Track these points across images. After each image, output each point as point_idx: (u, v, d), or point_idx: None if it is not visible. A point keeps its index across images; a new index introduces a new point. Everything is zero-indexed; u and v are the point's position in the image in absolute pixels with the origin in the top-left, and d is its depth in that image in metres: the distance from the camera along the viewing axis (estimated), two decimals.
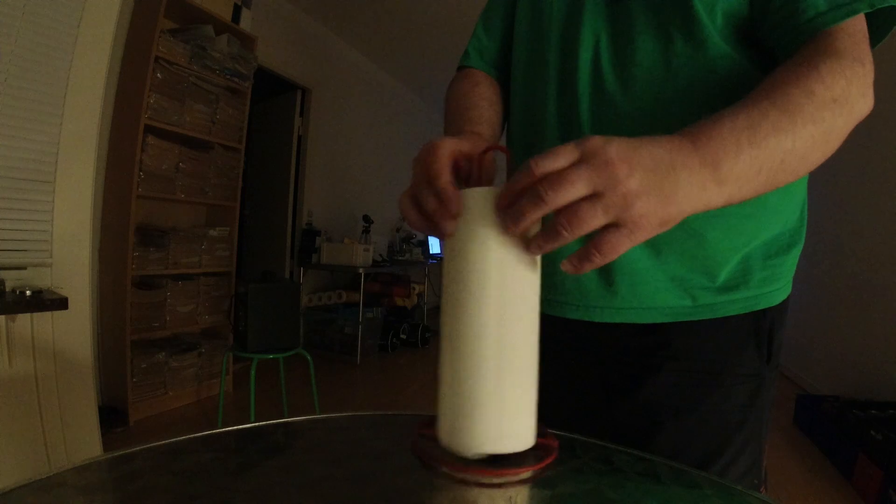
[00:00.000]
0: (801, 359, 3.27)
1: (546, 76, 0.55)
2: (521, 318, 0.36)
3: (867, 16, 0.40)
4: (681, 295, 0.50)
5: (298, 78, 3.53)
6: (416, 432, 0.41)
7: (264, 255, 3.77)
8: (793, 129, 0.35)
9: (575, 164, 0.31)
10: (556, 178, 0.30)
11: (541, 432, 0.38)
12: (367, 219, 3.84)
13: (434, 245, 5.39)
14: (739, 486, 0.36)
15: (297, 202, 3.72)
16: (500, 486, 0.34)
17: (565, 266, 0.33)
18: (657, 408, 0.51)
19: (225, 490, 0.33)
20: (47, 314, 1.31)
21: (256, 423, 0.44)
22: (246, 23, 2.61)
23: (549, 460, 0.37)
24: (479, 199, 0.35)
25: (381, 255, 3.96)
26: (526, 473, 0.36)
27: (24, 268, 1.29)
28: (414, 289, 4.16)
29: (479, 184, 0.42)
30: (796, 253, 0.52)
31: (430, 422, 0.41)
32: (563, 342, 0.57)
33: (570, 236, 0.31)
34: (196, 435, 0.40)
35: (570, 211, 0.30)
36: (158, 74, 2.13)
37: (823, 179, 3.06)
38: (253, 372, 1.90)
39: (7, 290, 1.22)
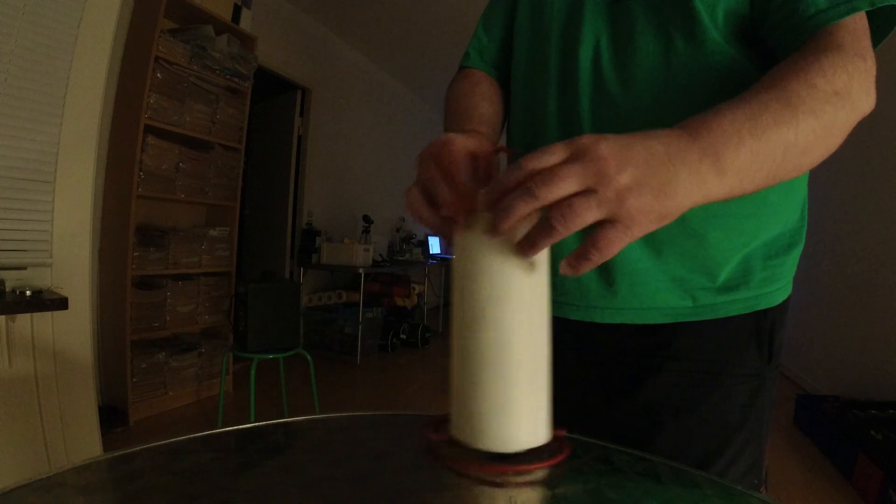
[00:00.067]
0: (801, 359, 3.27)
1: (546, 76, 0.55)
2: (532, 320, 0.36)
3: (868, 15, 0.40)
4: (681, 295, 0.50)
5: (298, 78, 3.53)
6: (428, 435, 0.40)
7: (264, 255, 3.77)
8: (794, 122, 0.34)
9: (566, 161, 0.31)
10: (547, 174, 0.30)
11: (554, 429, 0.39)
12: (367, 219, 3.84)
13: (434, 245, 5.39)
14: (739, 486, 0.36)
15: (297, 202, 3.72)
16: (518, 484, 0.35)
17: (564, 269, 0.33)
18: (657, 408, 0.51)
19: (225, 490, 0.33)
20: (47, 314, 1.31)
21: (256, 423, 0.44)
22: (246, 23, 2.61)
23: (564, 455, 0.38)
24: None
25: (381, 255, 3.96)
26: (542, 469, 0.37)
27: (24, 268, 1.29)
28: (414, 289, 4.16)
29: (486, 184, 0.42)
30: (797, 253, 0.52)
31: (438, 423, 0.42)
32: (564, 342, 0.57)
33: (563, 230, 0.30)
34: (196, 435, 0.40)
35: (563, 205, 0.30)
36: (158, 74, 2.13)
37: (824, 179, 3.06)
38: (253, 372, 1.90)
39: (7, 290, 1.22)
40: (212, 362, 2.53)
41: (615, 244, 0.31)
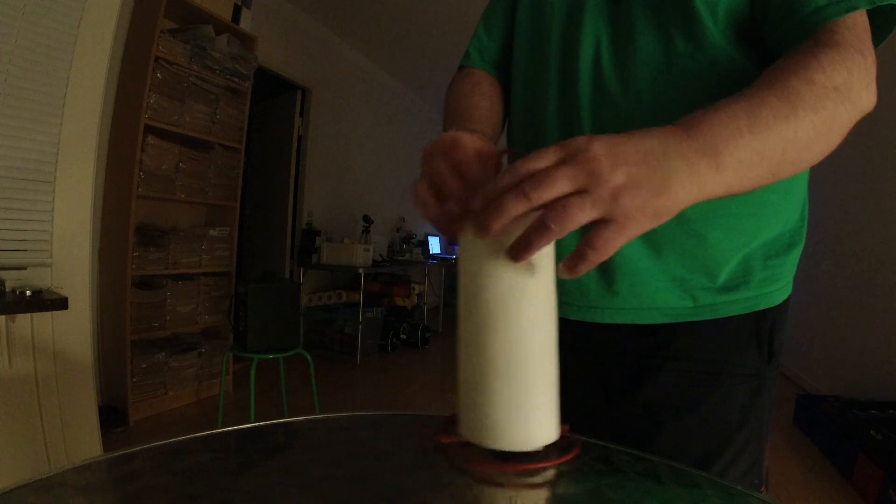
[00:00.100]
0: (801, 359, 3.27)
1: (547, 76, 0.55)
2: (546, 318, 0.37)
3: (868, 15, 0.40)
4: (681, 295, 0.50)
5: (298, 78, 3.53)
6: (440, 438, 0.40)
7: (264, 255, 3.77)
8: (794, 117, 0.34)
9: (559, 163, 0.31)
10: (540, 175, 0.30)
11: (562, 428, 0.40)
12: (367, 219, 3.84)
13: (434, 245, 5.39)
14: (740, 486, 0.36)
15: (297, 202, 3.72)
16: (519, 484, 0.35)
17: (562, 272, 0.33)
18: (657, 408, 0.51)
19: (225, 490, 0.33)
20: (47, 314, 1.31)
21: (256, 423, 0.44)
22: (246, 23, 2.61)
23: (576, 450, 0.39)
24: None
25: (381, 255, 3.96)
26: (552, 467, 0.37)
27: (24, 268, 1.29)
28: (414, 289, 4.16)
29: None
30: (797, 253, 0.52)
31: (446, 425, 0.42)
32: (564, 343, 0.57)
33: (557, 230, 0.30)
34: (196, 435, 0.40)
35: (557, 205, 0.30)
36: (158, 74, 2.13)
37: (824, 179, 3.06)
38: (253, 372, 1.90)
39: (7, 290, 1.22)
40: (212, 362, 2.53)
41: (612, 243, 0.30)
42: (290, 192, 3.64)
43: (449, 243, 5.89)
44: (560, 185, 0.30)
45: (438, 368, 3.40)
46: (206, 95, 2.40)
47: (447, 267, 5.53)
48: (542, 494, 0.35)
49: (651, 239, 0.49)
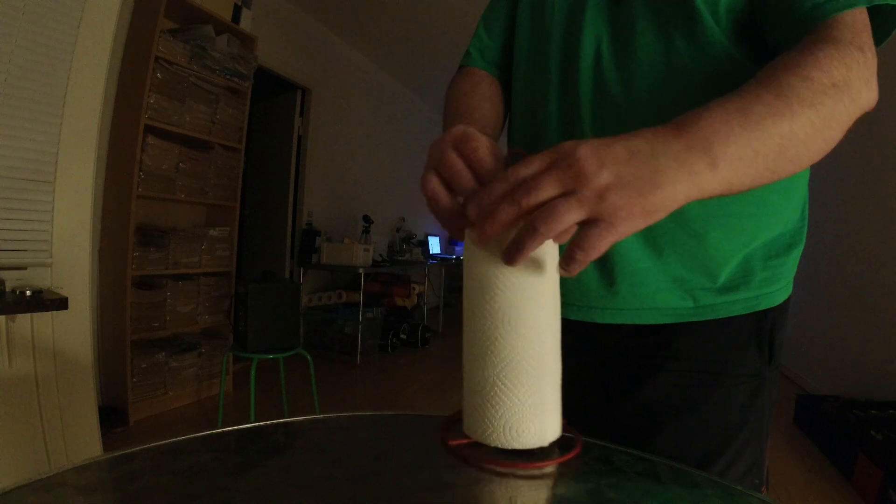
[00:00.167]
0: (801, 359, 3.27)
1: (548, 76, 0.55)
2: (555, 318, 0.38)
3: (869, 15, 0.40)
4: (682, 295, 0.50)
5: (298, 78, 3.53)
6: (448, 440, 0.41)
7: (264, 255, 3.77)
8: (789, 113, 0.34)
9: (548, 168, 0.31)
10: (529, 181, 0.31)
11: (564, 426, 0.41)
12: (367, 219, 3.84)
13: (434, 245, 5.39)
14: (740, 486, 0.36)
15: (297, 202, 3.72)
16: (519, 484, 0.35)
17: (560, 271, 0.33)
18: (657, 408, 0.51)
19: (225, 490, 0.33)
20: (47, 314, 1.31)
21: (256, 423, 0.44)
22: (246, 23, 2.61)
23: (579, 446, 0.40)
24: None
25: (381, 255, 3.96)
26: (552, 465, 0.38)
27: (24, 268, 1.29)
28: (414, 289, 4.16)
29: None
30: (797, 253, 0.52)
31: (450, 426, 0.43)
32: (564, 343, 0.57)
33: (546, 231, 0.30)
34: (196, 435, 0.40)
35: (545, 207, 0.30)
36: (158, 74, 2.13)
37: (824, 179, 3.06)
38: (253, 372, 1.90)
39: (7, 290, 1.22)
40: (212, 362, 2.53)
41: (600, 243, 0.30)
42: (290, 192, 3.64)
43: (450, 242, 5.89)
44: (548, 189, 0.31)
45: (438, 368, 3.40)
46: (206, 95, 2.40)
47: (447, 267, 5.53)
48: (543, 494, 0.35)
49: (651, 239, 0.49)
